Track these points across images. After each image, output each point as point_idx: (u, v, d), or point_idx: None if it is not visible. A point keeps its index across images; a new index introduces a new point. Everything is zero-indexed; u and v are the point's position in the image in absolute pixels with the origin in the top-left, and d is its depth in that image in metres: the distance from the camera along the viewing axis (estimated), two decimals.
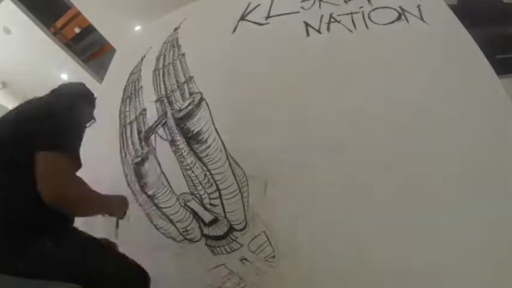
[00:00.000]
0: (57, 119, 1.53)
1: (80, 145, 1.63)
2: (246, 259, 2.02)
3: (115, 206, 1.86)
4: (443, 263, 1.64)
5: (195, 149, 2.35)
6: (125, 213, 1.93)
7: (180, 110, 2.56)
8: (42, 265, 1.38)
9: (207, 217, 2.20)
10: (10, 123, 1.57)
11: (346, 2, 2.59)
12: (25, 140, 1.43)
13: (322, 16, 2.55)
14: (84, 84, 2.11)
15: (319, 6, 2.64)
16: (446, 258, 1.64)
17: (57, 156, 1.40)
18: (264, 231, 2.02)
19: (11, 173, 1.42)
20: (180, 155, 2.40)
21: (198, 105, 2.50)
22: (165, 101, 2.72)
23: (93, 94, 2.10)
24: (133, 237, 2.42)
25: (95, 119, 2.05)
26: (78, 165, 1.56)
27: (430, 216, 1.74)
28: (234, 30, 2.83)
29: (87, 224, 1.95)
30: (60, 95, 1.85)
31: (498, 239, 1.65)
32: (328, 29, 2.48)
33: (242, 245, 2.06)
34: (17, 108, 1.69)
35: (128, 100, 3.09)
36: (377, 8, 2.47)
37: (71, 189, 1.43)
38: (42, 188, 1.34)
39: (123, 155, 2.76)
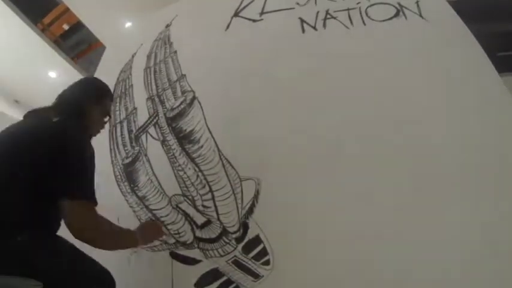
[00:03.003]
0: (82, 164, 1.65)
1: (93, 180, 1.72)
2: (240, 262, 2.02)
3: (143, 239, 1.95)
4: (444, 265, 1.64)
5: (187, 149, 2.35)
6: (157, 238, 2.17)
7: (172, 109, 2.56)
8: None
9: (200, 219, 2.20)
10: (26, 146, 1.65)
11: None
12: (46, 171, 1.55)
13: (318, 12, 2.56)
14: (95, 80, 2.30)
15: (315, 2, 2.64)
16: (447, 260, 1.65)
17: (82, 204, 1.56)
18: (259, 234, 2.02)
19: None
20: (171, 155, 2.40)
21: (191, 104, 2.50)
22: (157, 99, 2.72)
23: (107, 87, 2.22)
24: None
25: (110, 116, 2.20)
26: (96, 203, 1.66)
27: (431, 218, 1.74)
28: (228, 26, 2.83)
29: None
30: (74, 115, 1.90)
31: (499, 239, 1.65)
32: (324, 25, 2.49)
33: (236, 248, 2.05)
34: (29, 129, 1.78)
35: (118, 99, 3.09)
36: (374, 4, 2.48)
37: (96, 233, 1.60)
38: (73, 231, 1.52)
39: (113, 155, 2.76)
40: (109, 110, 2.16)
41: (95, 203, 1.62)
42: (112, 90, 3.13)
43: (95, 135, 2.05)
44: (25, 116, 1.90)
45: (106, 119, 2.14)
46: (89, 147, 1.73)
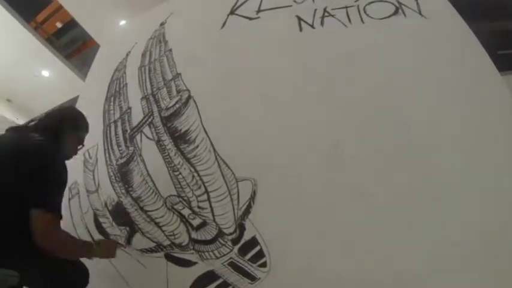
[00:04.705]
0: (51, 180, 1.84)
1: (62, 196, 1.93)
2: (236, 265, 2.02)
3: (97, 253, 2.06)
4: (443, 266, 1.64)
5: (182, 149, 2.35)
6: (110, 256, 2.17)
7: (167, 109, 2.56)
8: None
9: (195, 220, 2.20)
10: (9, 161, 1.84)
11: None
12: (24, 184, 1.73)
13: (315, 10, 2.56)
14: (75, 110, 2.39)
15: (313, 0, 2.64)
16: (447, 260, 1.65)
17: (45, 213, 1.74)
18: (255, 236, 2.02)
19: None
20: (166, 156, 2.40)
21: (186, 103, 2.50)
22: (151, 99, 2.72)
23: (85, 119, 2.35)
24: None
25: (83, 145, 2.34)
26: (60, 216, 1.85)
27: (430, 219, 1.74)
28: (224, 24, 2.83)
29: None
30: (56, 142, 2.06)
31: (499, 241, 1.65)
32: (322, 23, 2.48)
33: (232, 250, 2.05)
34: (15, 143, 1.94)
35: (112, 98, 3.09)
36: (373, 2, 2.47)
37: (54, 240, 1.78)
38: (36, 237, 1.70)
39: (107, 155, 2.75)
40: (82, 140, 2.31)
41: (59, 216, 1.83)
42: (106, 90, 3.15)
43: (68, 159, 2.13)
44: (6, 131, 2.09)
45: (79, 147, 2.31)
46: (63, 168, 1.93)
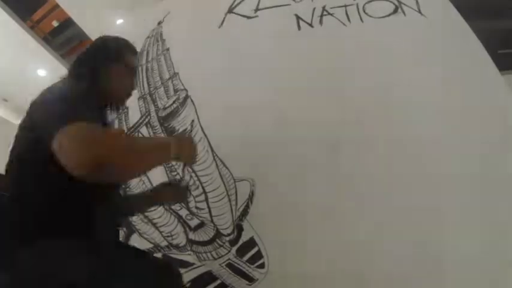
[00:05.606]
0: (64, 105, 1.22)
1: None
2: (234, 266, 2.01)
3: (175, 148, 1.38)
4: (444, 265, 1.64)
5: None
6: (192, 156, 1.56)
7: (164, 108, 2.55)
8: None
9: (193, 221, 2.19)
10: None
11: None
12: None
13: (314, 9, 2.54)
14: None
15: None
16: (448, 259, 1.65)
17: (75, 125, 1.07)
18: (253, 237, 2.01)
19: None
20: None
21: (183, 103, 2.49)
22: (149, 98, 2.71)
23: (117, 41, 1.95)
24: None
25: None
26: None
27: (431, 218, 1.74)
28: (221, 23, 2.82)
29: None
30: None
31: (499, 240, 1.65)
32: (320, 22, 2.47)
33: (230, 251, 2.05)
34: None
35: None
36: (372, 1, 2.47)
37: (102, 147, 1.06)
38: (67, 160, 1.02)
39: None
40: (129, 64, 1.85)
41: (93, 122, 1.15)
42: None
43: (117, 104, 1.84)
44: None
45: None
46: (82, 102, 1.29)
